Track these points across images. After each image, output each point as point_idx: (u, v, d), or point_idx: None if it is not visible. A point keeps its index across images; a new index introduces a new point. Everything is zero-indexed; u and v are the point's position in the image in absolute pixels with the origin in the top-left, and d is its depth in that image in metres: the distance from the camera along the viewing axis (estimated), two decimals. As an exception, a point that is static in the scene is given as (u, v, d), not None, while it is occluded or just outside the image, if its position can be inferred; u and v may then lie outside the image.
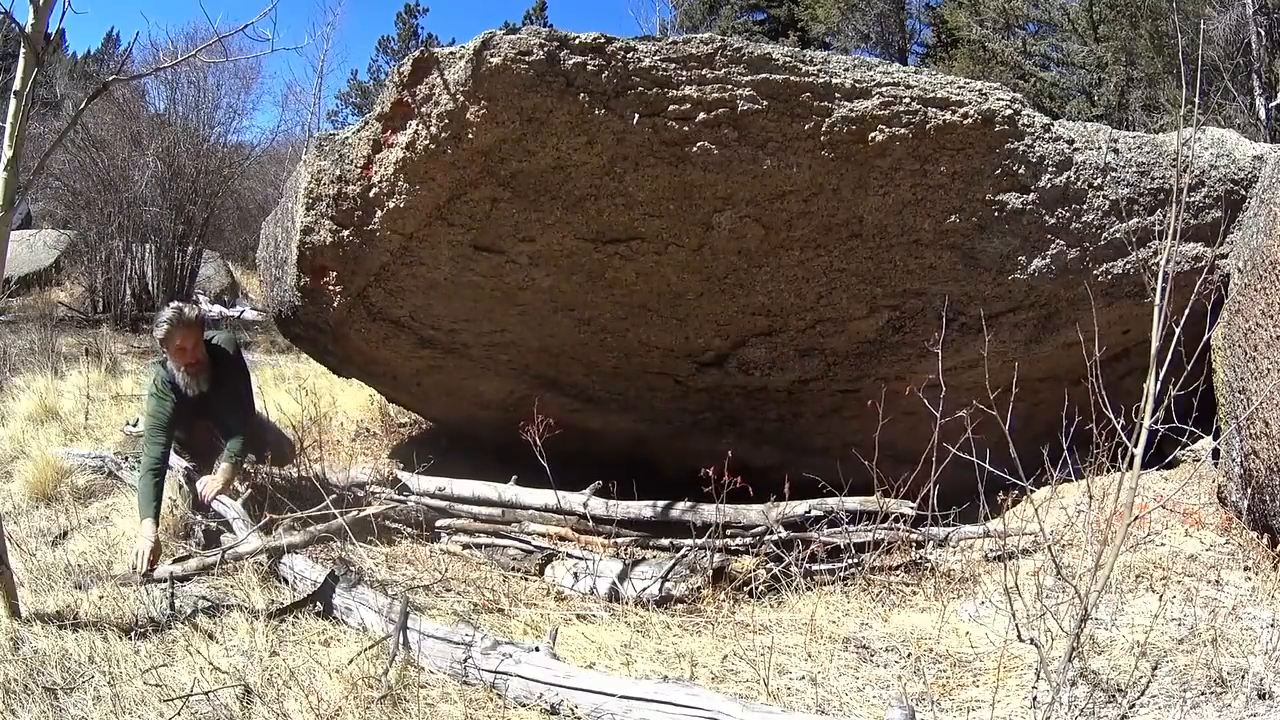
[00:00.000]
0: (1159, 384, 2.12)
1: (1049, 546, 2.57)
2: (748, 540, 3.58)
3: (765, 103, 3.34)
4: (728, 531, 3.55)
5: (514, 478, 3.91)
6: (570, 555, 3.67)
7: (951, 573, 3.39)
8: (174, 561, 3.18)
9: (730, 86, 3.31)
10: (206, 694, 2.31)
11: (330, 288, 3.85)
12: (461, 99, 3.22)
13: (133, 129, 11.55)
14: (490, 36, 3.18)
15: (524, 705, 2.31)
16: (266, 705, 2.31)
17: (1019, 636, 2.30)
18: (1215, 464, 3.68)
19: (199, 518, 3.59)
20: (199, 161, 11.51)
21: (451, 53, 3.27)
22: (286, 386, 6.38)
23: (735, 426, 4.41)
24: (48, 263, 11.98)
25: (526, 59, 3.15)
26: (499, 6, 52.57)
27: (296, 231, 3.77)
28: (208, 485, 3.61)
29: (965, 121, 3.49)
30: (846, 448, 3.50)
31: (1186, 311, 2.31)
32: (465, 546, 3.88)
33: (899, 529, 3.47)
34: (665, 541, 3.67)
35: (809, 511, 3.56)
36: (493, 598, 3.27)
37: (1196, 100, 6.12)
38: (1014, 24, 19.06)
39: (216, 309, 12.38)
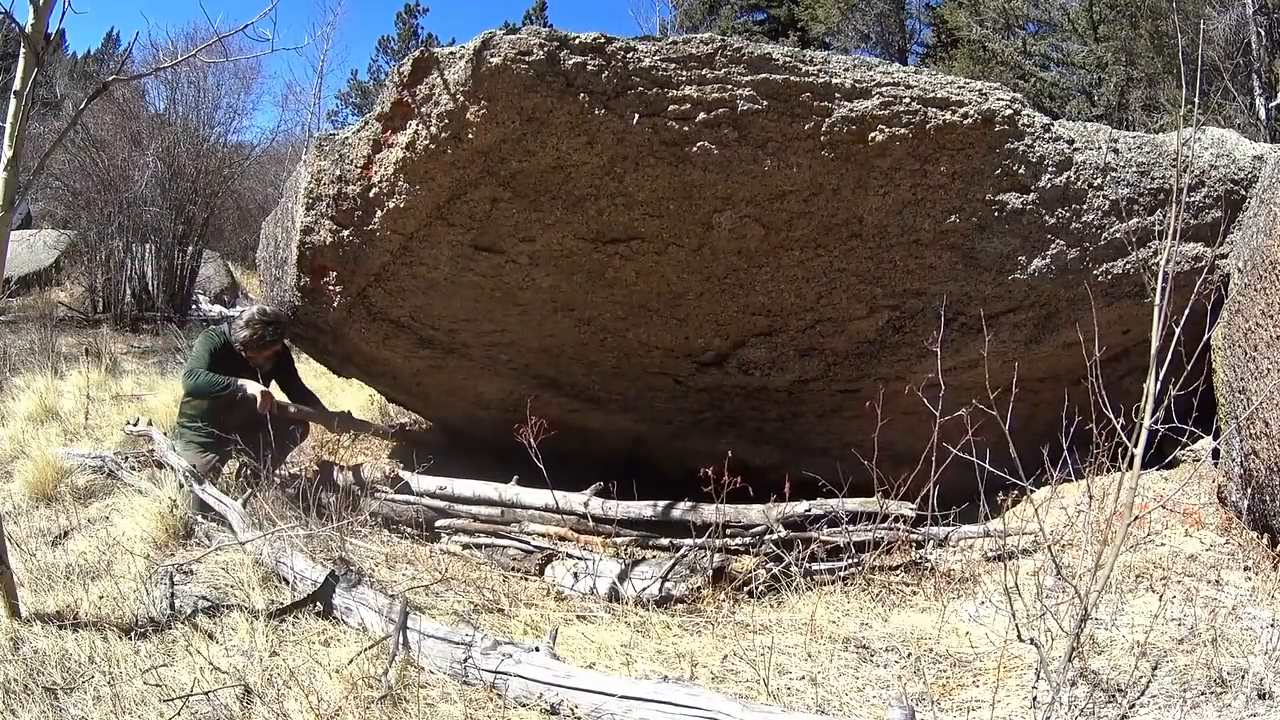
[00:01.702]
0: (1159, 384, 2.12)
1: (1049, 546, 2.57)
2: (747, 540, 3.58)
3: (765, 103, 3.34)
4: (727, 531, 3.55)
5: (515, 478, 3.91)
6: (570, 555, 3.67)
7: (951, 573, 3.39)
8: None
9: (730, 86, 3.31)
10: (206, 694, 2.31)
11: (330, 288, 3.85)
12: (461, 99, 3.22)
13: (133, 129, 11.56)
14: (490, 36, 3.18)
15: (524, 705, 2.31)
16: (266, 705, 2.31)
17: (1019, 636, 2.30)
18: (1215, 464, 3.68)
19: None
20: (199, 161, 11.51)
21: (451, 53, 3.27)
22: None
23: (735, 426, 4.41)
24: (48, 263, 11.98)
25: (526, 59, 3.15)
26: (499, 6, 52.68)
27: (296, 231, 3.77)
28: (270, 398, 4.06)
29: (965, 121, 3.49)
30: (846, 448, 3.50)
31: (1186, 311, 2.30)
32: (465, 546, 3.88)
33: (899, 529, 3.47)
34: (665, 541, 3.66)
35: (808, 511, 3.56)
36: (493, 598, 3.27)
37: (1196, 100, 6.12)
38: (1014, 24, 19.08)
39: (217, 309, 12.39)
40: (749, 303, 3.85)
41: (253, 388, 3.99)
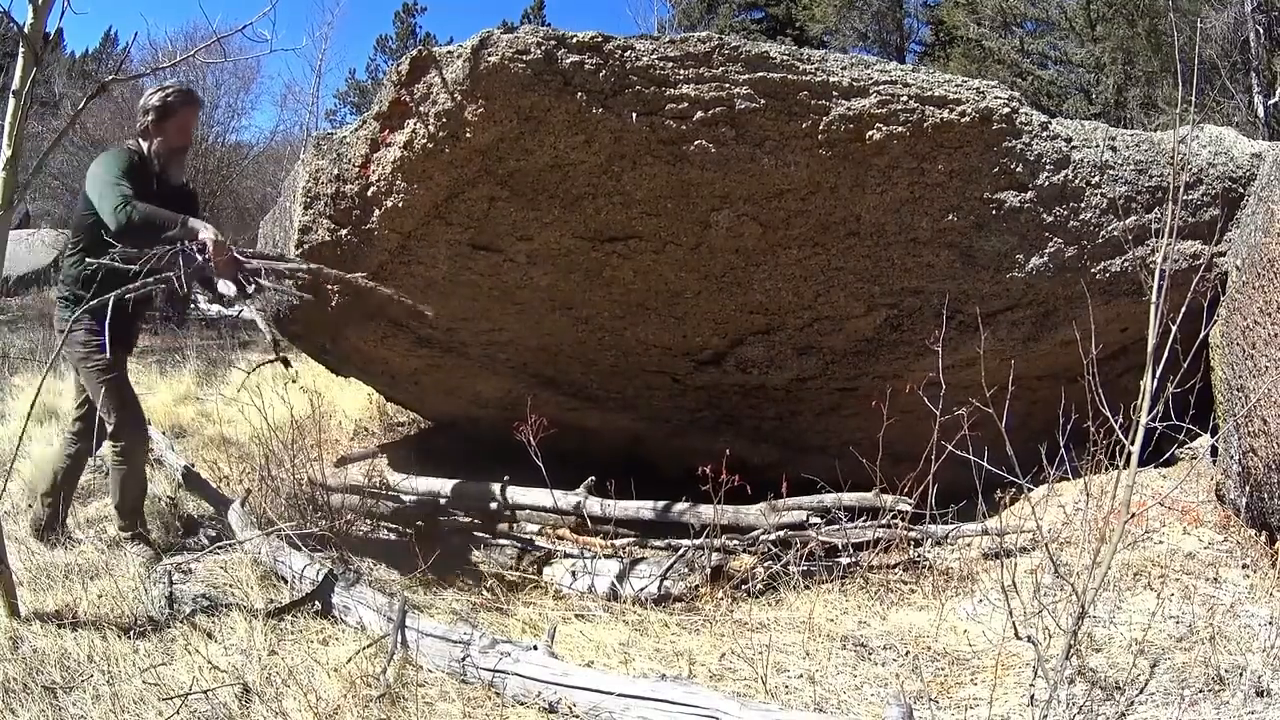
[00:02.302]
0: (1156, 381, 2.12)
1: (1046, 544, 2.57)
2: (746, 539, 3.58)
3: (763, 101, 3.34)
4: (725, 530, 3.55)
5: (506, 478, 3.90)
6: (568, 554, 3.68)
7: (949, 571, 3.39)
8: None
9: (728, 85, 3.31)
10: (205, 693, 2.31)
11: (328, 286, 3.85)
12: (459, 98, 3.22)
13: (131, 128, 11.55)
14: (488, 35, 3.18)
15: (522, 704, 2.31)
16: (265, 704, 2.31)
17: (1016, 634, 2.30)
18: (1213, 461, 3.69)
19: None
20: (197, 161, 11.50)
21: (449, 52, 3.27)
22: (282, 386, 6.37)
23: (733, 425, 4.41)
24: (46, 262, 11.98)
25: (524, 58, 3.15)
26: (497, 5, 52.26)
27: (295, 230, 3.76)
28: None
29: (963, 120, 3.49)
30: (844, 446, 3.50)
31: (1184, 309, 2.31)
32: (464, 545, 3.89)
33: (897, 526, 3.47)
34: (663, 541, 3.67)
35: (808, 513, 3.56)
36: (491, 596, 3.28)
37: (1194, 98, 6.13)
38: (1011, 22, 19.11)
39: (215, 308, 12.37)
40: (747, 301, 3.85)
41: (207, 234, 2.80)
